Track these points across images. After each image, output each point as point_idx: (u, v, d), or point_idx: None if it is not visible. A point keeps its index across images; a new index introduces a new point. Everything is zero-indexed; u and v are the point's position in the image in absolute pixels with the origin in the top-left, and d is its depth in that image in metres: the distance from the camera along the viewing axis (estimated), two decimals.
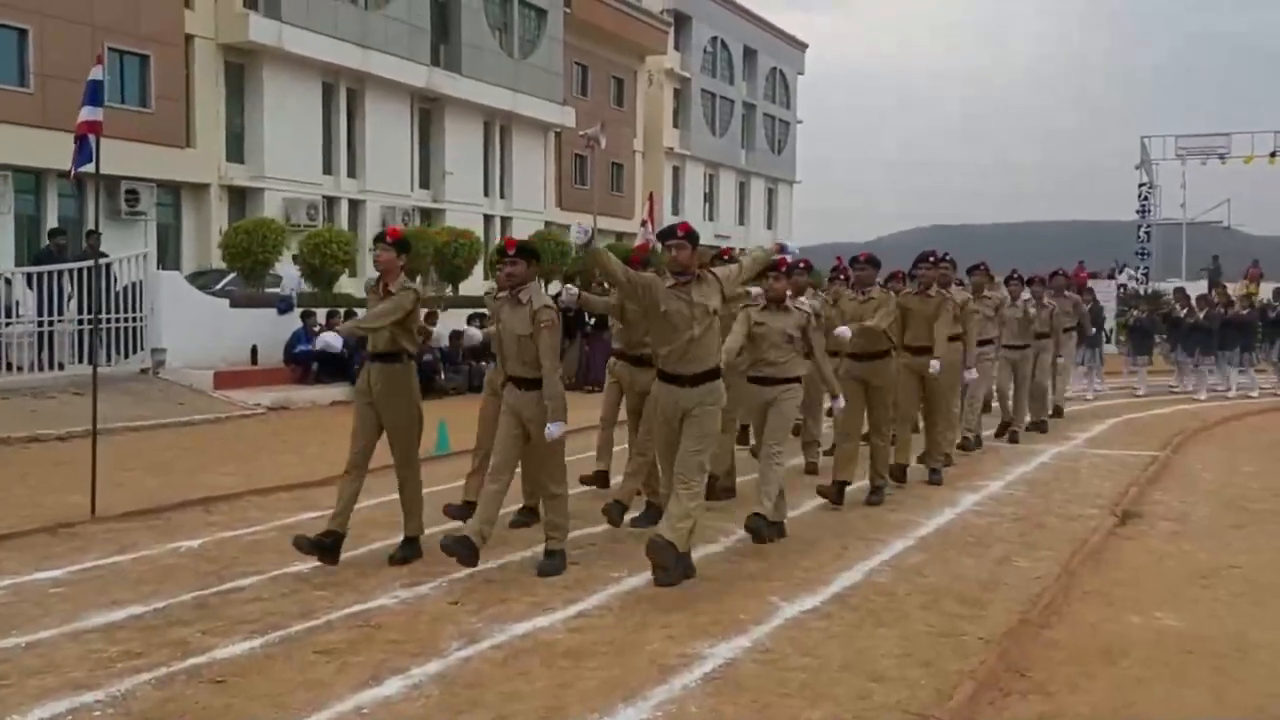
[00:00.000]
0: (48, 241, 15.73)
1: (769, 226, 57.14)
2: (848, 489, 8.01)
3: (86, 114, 7.14)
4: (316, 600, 5.51)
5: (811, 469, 9.48)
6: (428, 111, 33.72)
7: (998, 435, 11.73)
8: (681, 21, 47.76)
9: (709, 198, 51.54)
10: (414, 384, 6.38)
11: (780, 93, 57.59)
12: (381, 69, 30.45)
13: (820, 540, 6.93)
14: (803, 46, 59.30)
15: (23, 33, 22.39)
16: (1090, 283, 28.56)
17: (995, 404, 12.58)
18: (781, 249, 6.65)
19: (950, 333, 9.04)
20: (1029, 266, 14.66)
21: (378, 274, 6.42)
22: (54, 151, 20.32)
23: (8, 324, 13.69)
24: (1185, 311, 17.12)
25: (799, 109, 59.77)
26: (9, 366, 13.65)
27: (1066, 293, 13.84)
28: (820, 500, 7.99)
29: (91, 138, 7.15)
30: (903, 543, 6.94)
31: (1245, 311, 17.40)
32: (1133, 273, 33.66)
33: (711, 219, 51.31)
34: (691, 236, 5.84)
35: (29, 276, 14.15)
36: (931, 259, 9.02)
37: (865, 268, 8.43)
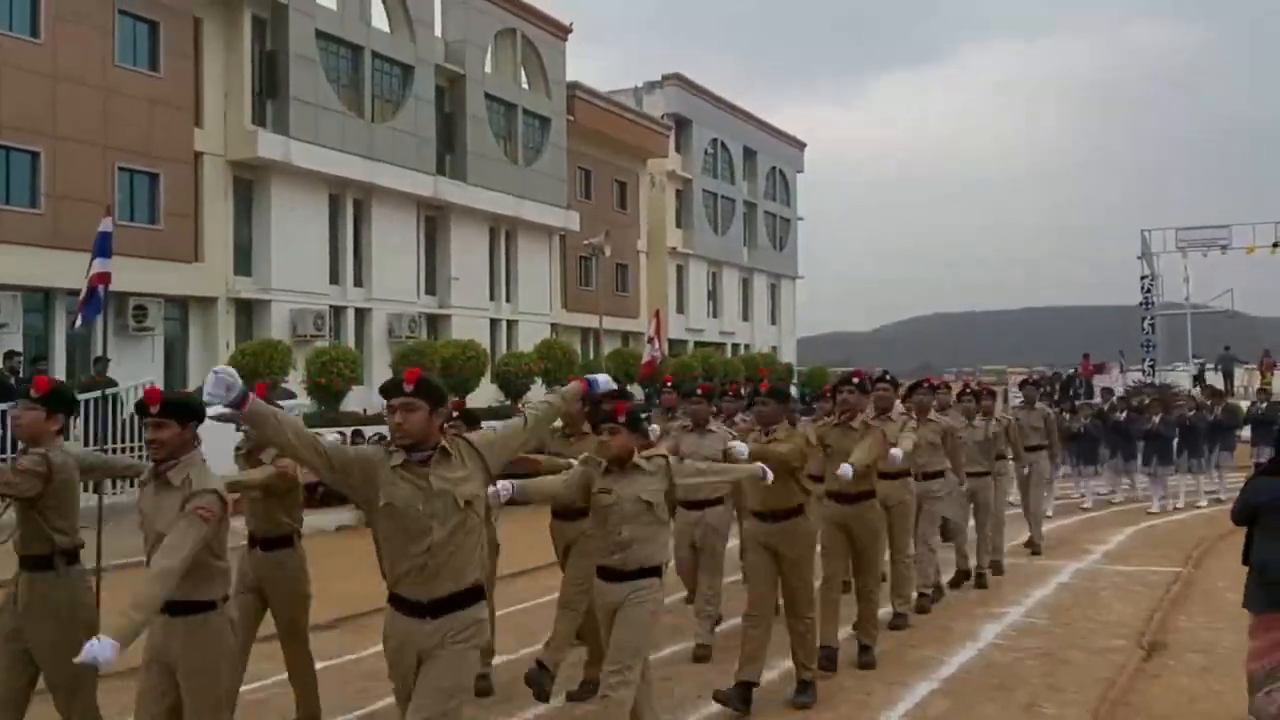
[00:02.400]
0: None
1: (773, 321, 57.44)
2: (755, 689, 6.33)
3: (98, 266, 7.18)
4: None
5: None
6: (433, 219, 34.15)
7: (953, 584, 9.83)
8: (682, 125, 48.63)
9: (712, 295, 51.90)
10: None
11: (780, 190, 58.38)
12: (388, 180, 30.93)
13: (838, 685, 6.75)
14: (801, 145, 60.29)
15: (34, 155, 22.79)
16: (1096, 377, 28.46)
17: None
18: (589, 385, 4.72)
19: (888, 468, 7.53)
20: (1034, 353, 14.38)
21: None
22: (63, 271, 20.56)
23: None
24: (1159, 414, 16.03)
25: (799, 206, 60.55)
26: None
27: (1038, 404, 12.86)
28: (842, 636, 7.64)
29: (101, 289, 7.16)
30: (926, 685, 6.76)
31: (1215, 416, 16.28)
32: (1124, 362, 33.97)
33: (715, 315, 51.61)
34: (423, 388, 3.91)
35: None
36: (855, 380, 7.48)
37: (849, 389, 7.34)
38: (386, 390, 3.93)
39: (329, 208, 30.00)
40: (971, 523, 10.27)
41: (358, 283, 31.09)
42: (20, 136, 22.44)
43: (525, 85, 38.12)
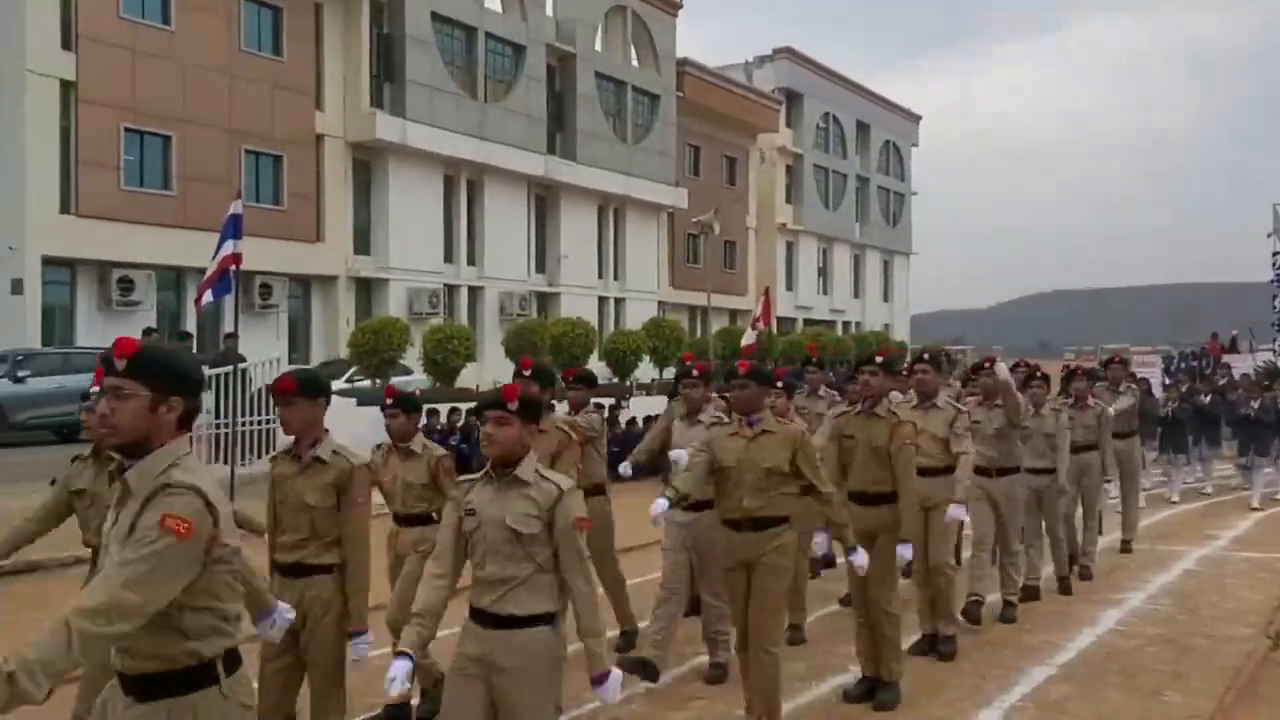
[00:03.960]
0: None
1: (885, 299, 56.61)
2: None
3: (229, 247, 7.47)
4: None
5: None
6: (544, 198, 34.53)
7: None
8: (793, 99, 48.12)
9: (823, 272, 51.36)
10: None
11: (894, 164, 57.38)
12: (500, 159, 31.37)
13: (954, 670, 6.68)
14: (916, 118, 59.11)
15: (166, 139, 23.74)
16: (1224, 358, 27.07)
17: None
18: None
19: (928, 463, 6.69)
20: (1158, 332, 13.45)
21: None
22: (193, 250, 21.45)
23: None
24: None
25: (913, 180, 59.45)
26: None
27: (1123, 386, 11.01)
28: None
29: (232, 269, 7.46)
30: (1043, 671, 6.64)
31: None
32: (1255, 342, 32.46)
33: (826, 293, 51.08)
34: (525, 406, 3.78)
35: None
36: (879, 359, 6.27)
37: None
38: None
39: (443, 188, 30.58)
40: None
41: (470, 261, 31.65)
42: (153, 121, 23.40)
43: (635, 62, 38.17)
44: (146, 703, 2.61)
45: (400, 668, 3.52)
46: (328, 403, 4.45)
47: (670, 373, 20.50)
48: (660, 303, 38.68)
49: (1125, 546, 10.46)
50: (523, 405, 3.75)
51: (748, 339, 23.68)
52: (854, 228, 53.04)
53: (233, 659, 2.71)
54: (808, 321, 45.79)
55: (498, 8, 32.24)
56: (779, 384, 6.78)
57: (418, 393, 17.23)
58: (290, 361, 20.31)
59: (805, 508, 5.56)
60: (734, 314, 42.24)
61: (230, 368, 12.24)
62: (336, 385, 16.63)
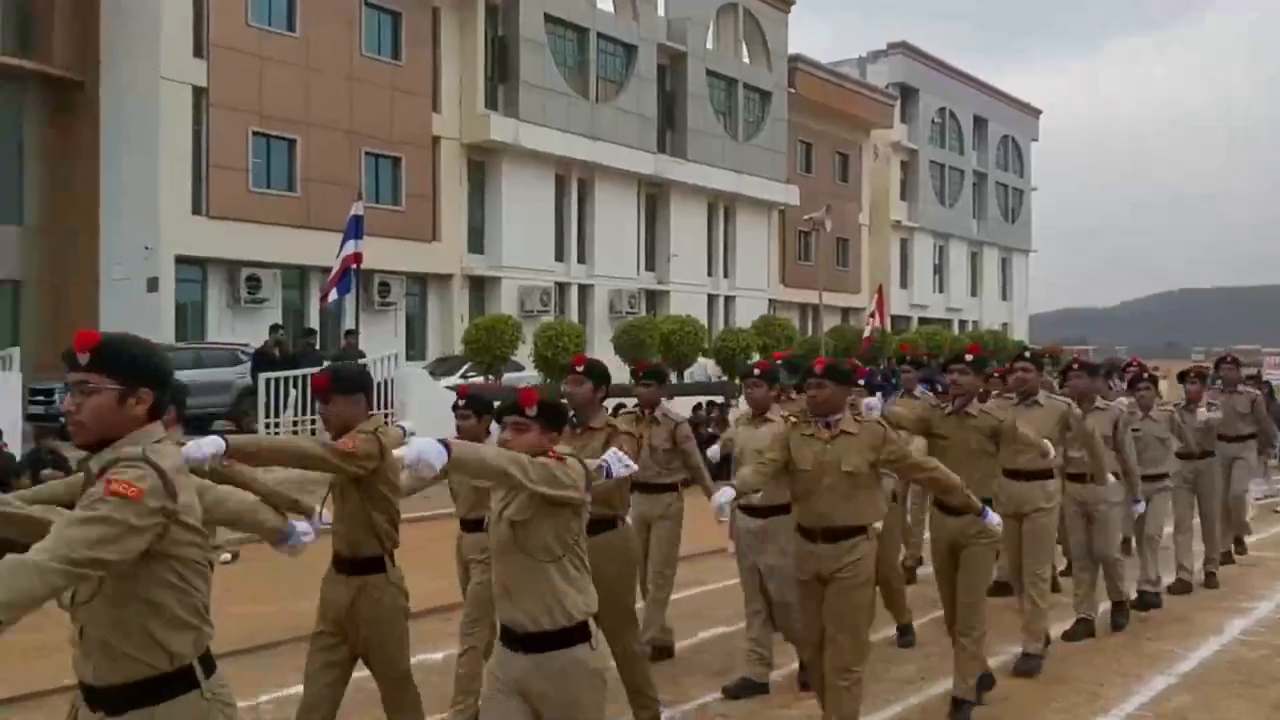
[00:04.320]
0: (268, 337, 16.62)
1: (1004, 297, 55.30)
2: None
3: (351, 247, 7.72)
4: None
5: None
6: (654, 196, 34.68)
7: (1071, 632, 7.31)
8: (908, 94, 47.35)
9: (938, 269, 50.42)
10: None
11: (1013, 159, 55.99)
12: (610, 159, 31.62)
13: (1072, 676, 6.52)
14: (1036, 112, 57.59)
15: (291, 142, 24.56)
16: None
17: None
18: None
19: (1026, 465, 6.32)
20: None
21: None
22: (315, 249, 22.17)
23: (273, 421, 14.75)
24: None
25: (1033, 175, 57.92)
26: None
27: (1241, 387, 10.10)
28: (1065, 630, 7.24)
29: (353, 268, 7.70)
30: (1163, 680, 6.43)
31: None
32: None
33: (941, 291, 50.14)
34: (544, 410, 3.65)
35: (285, 379, 14.56)
36: (969, 357, 5.87)
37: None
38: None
39: (555, 187, 30.96)
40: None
41: (581, 259, 31.98)
42: (279, 125, 24.24)
43: (746, 60, 38.05)
44: (119, 716, 2.39)
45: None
46: (369, 399, 4.23)
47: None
48: (771, 301, 38.49)
49: (1210, 580, 9.02)
50: (542, 411, 3.52)
51: (867, 333, 23.46)
52: (971, 224, 51.93)
53: (209, 659, 2.53)
54: (922, 320, 45.00)
55: (609, 8, 32.50)
56: (862, 383, 6.66)
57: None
58: (408, 358, 20.80)
59: (885, 514, 5.37)
60: (846, 312, 41.78)
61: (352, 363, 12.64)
62: (450, 382, 16.99)
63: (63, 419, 15.45)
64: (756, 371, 6.24)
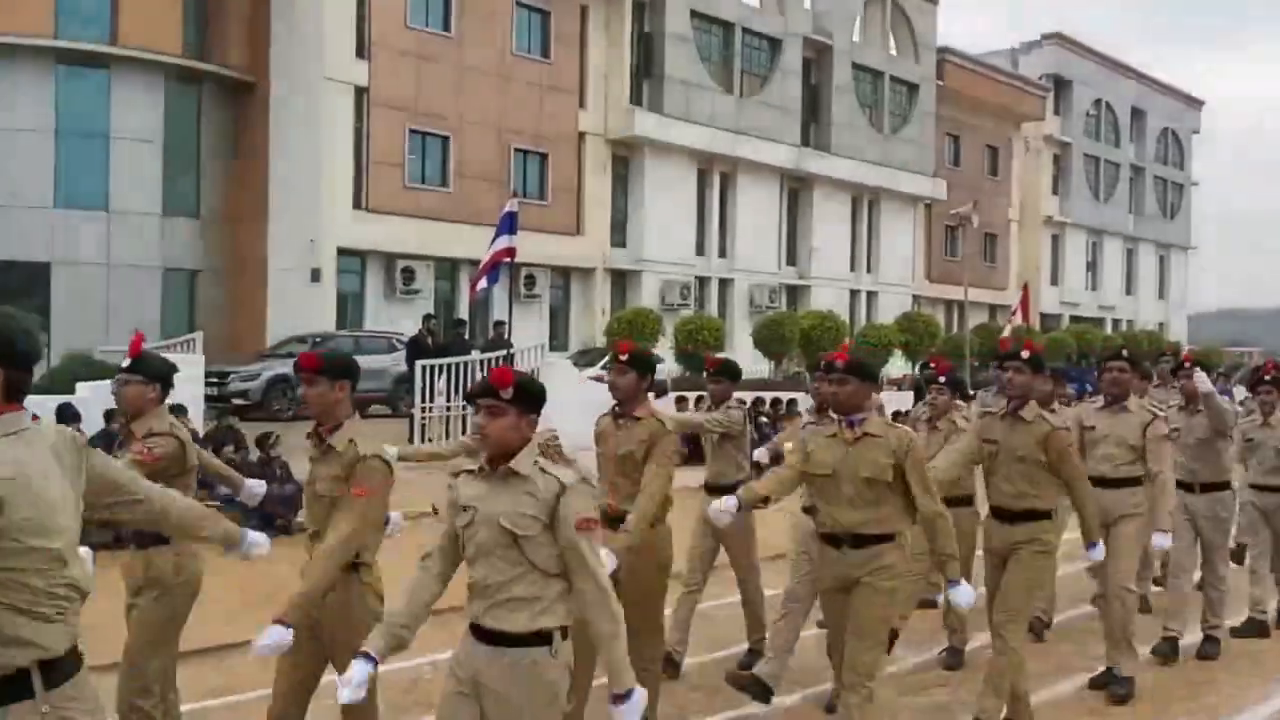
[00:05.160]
0: (420, 326, 17.43)
1: (1160, 295, 53.14)
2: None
3: (503, 242, 8.16)
4: None
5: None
6: (796, 190, 34.62)
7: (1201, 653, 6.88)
8: (1061, 86, 45.95)
9: (1091, 266, 48.80)
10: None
11: (1173, 153, 53.69)
12: (752, 153, 31.74)
13: (1214, 678, 6.48)
14: (1198, 103, 55.07)
15: (445, 139, 25.52)
16: None
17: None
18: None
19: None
20: None
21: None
22: (466, 242, 23.03)
23: (427, 405, 15.39)
24: None
25: (1194, 169, 55.44)
26: (429, 439, 15.32)
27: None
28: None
29: (504, 262, 8.14)
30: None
31: None
32: None
33: (1094, 288, 48.52)
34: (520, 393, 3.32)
35: (437, 366, 15.10)
36: (1026, 355, 5.30)
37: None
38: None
39: (697, 181, 31.26)
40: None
41: (722, 254, 32.19)
42: (434, 123, 25.21)
43: (894, 52, 37.58)
44: None
45: (359, 671, 3.11)
46: (353, 389, 4.08)
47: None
48: (915, 296, 37.98)
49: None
50: (518, 392, 3.27)
51: (1006, 333, 23.05)
52: (1127, 220, 50.06)
53: (58, 666, 2.31)
54: (1074, 319, 43.69)
55: (755, 3, 32.58)
56: (943, 380, 6.42)
57: (668, 381, 17.89)
58: (550, 349, 21.43)
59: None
60: (993, 309, 40.89)
61: (500, 353, 13.21)
62: (591, 373, 17.48)
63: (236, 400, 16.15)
64: (836, 363, 5.21)
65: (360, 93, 24.16)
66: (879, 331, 23.02)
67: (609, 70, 29.11)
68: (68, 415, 10.84)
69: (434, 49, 25.08)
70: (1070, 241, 46.99)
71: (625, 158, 29.83)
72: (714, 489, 6.24)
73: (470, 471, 3.35)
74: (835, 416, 4.60)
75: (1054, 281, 45.91)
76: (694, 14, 30.40)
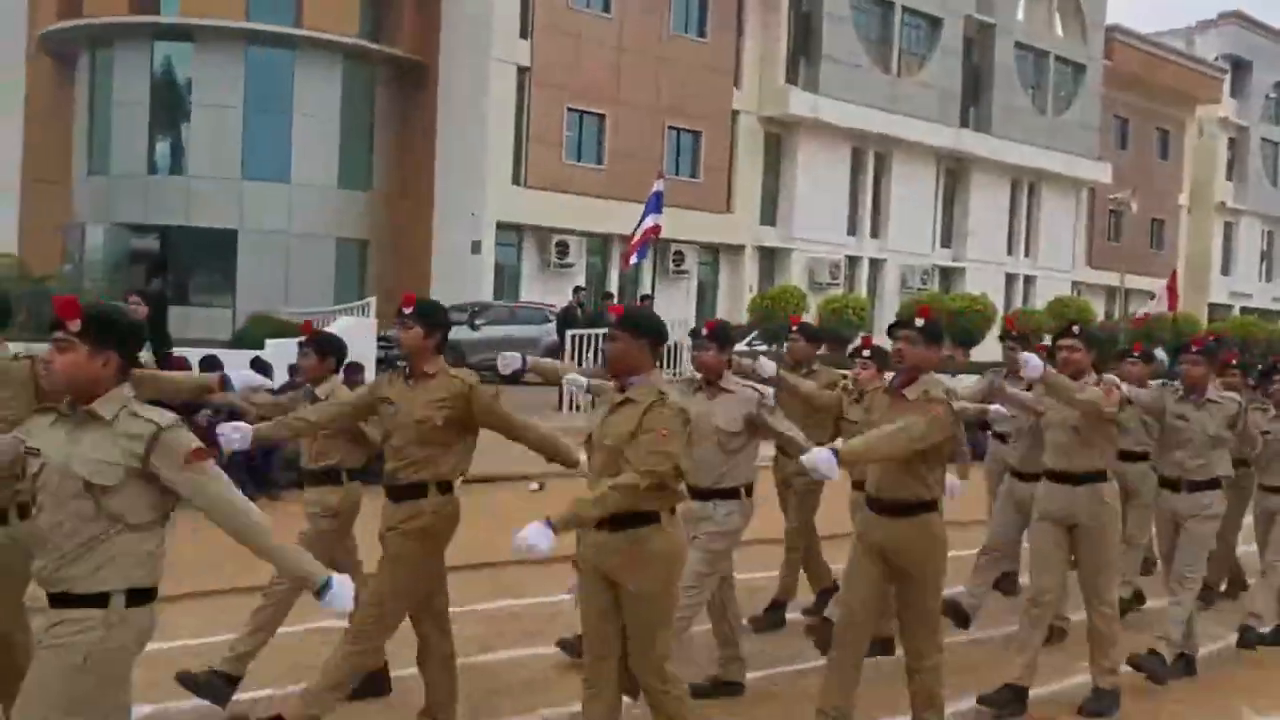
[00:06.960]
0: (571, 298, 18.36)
1: None
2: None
3: (651, 220, 8.73)
4: None
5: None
6: (953, 172, 34.15)
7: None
8: (1240, 67, 43.72)
9: (1266, 256, 46.43)
10: None
11: None
12: (909, 133, 31.46)
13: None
14: None
15: (601, 118, 26.29)
16: None
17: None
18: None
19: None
20: None
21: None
22: (617, 219, 23.72)
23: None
24: None
25: None
26: (576, 408, 16.08)
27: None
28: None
29: (652, 239, 8.71)
30: None
31: None
32: None
33: (1268, 279, 46.17)
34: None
35: (587, 336, 15.47)
36: (1074, 331, 5.37)
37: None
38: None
39: (850, 161, 31.22)
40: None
41: (874, 234, 32.09)
42: (591, 102, 26.01)
43: (1059, 31, 36.54)
44: None
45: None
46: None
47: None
48: (1074, 282, 37.00)
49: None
50: (87, 325, 2.93)
51: (1139, 314, 22.49)
52: None
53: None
54: (1244, 310, 41.69)
55: None
56: (867, 353, 5.96)
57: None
58: (696, 322, 21.97)
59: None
60: (1154, 298, 39.43)
61: None
62: (738, 348, 17.90)
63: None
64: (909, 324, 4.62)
65: (523, 72, 25.09)
66: (1029, 316, 22.74)
67: (765, 49, 29.32)
68: (261, 366, 11.93)
69: (594, 29, 25.81)
70: (1244, 230, 44.82)
71: (778, 136, 30.03)
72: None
73: (41, 411, 3.10)
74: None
75: (1225, 271, 43.91)
76: None
